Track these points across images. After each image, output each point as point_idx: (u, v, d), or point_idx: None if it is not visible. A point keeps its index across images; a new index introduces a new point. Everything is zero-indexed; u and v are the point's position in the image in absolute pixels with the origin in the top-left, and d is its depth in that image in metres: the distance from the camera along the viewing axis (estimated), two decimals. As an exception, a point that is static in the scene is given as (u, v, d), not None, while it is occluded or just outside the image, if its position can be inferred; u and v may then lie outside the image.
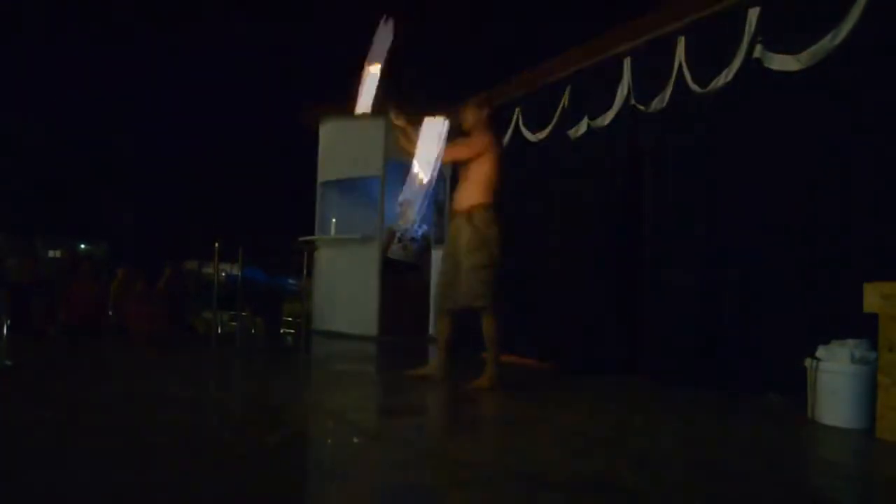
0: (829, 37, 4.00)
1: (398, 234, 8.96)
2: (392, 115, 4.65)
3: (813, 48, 4.08)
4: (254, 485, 2.35)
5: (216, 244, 7.05)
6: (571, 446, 3.09)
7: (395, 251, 8.92)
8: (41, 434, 2.99)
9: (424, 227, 8.93)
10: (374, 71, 4.44)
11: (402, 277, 8.83)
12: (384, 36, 4.43)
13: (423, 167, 4.29)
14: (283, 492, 2.27)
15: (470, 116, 4.63)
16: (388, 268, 8.84)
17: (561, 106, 6.26)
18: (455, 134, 4.52)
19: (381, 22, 4.43)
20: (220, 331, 7.49)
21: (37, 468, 2.42)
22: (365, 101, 4.46)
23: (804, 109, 4.23)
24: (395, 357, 7.12)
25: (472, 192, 4.44)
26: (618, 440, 3.29)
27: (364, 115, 4.60)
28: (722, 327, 4.57)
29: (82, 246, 13.23)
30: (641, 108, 5.35)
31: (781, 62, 4.29)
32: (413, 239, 8.94)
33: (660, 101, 5.19)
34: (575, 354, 5.77)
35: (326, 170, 8.93)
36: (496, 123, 4.75)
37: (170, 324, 8.21)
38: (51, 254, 11.93)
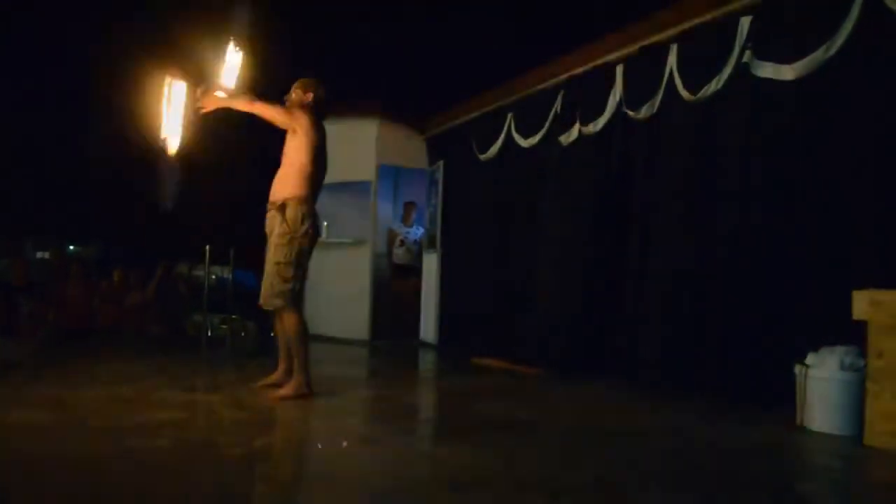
0: (823, 48, 4.03)
1: (400, 237, 8.95)
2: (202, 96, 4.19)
3: (808, 58, 4.11)
4: (244, 488, 2.34)
5: (207, 247, 7.02)
6: (561, 451, 3.10)
7: (401, 255, 8.92)
8: (30, 437, 2.97)
9: (421, 229, 8.93)
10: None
11: (406, 280, 8.83)
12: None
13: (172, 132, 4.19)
14: (273, 495, 2.26)
15: (293, 98, 4.31)
16: (395, 272, 8.85)
17: (553, 112, 6.28)
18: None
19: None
20: (210, 334, 7.45)
21: (26, 471, 2.41)
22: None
23: (794, 116, 4.26)
24: (386, 361, 7.11)
25: (287, 182, 4.13)
26: (607, 445, 3.30)
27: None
28: (711, 334, 4.58)
29: (71, 247, 13.15)
30: (632, 114, 5.38)
31: (775, 71, 4.32)
32: (415, 241, 8.94)
33: (650, 108, 5.21)
34: (565, 360, 5.78)
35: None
36: (322, 112, 4.36)
37: (160, 326, 8.18)
38: (39, 255, 11.85)
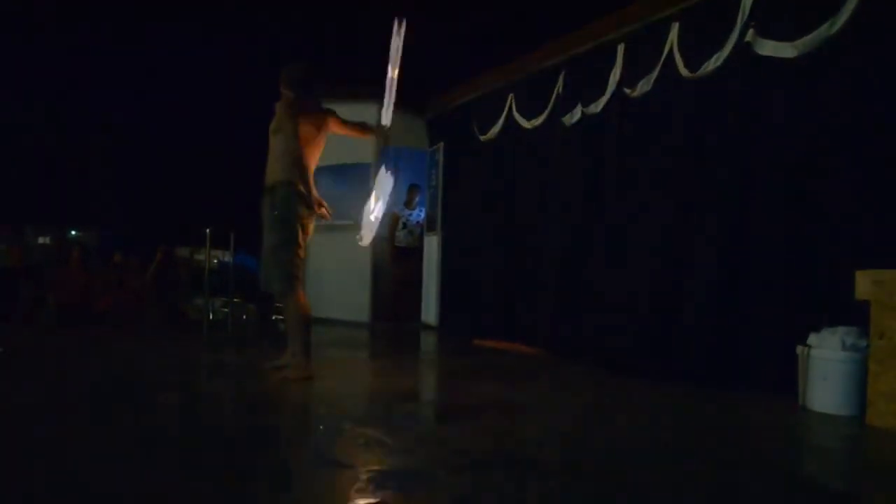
0: (826, 25, 3.97)
1: (402, 220, 8.93)
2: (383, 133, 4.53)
3: (810, 36, 4.06)
4: (246, 469, 2.34)
5: (208, 231, 7.02)
6: (564, 432, 3.10)
7: (402, 238, 8.91)
8: (34, 420, 2.97)
9: (423, 212, 8.91)
10: (393, 76, 4.38)
11: (407, 263, 8.82)
12: (396, 40, 4.31)
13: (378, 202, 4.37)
14: (275, 477, 2.26)
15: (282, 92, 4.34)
16: (396, 255, 8.83)
17: (556, 92, 6.23)
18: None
19: (395, 27, 4.27)
20: (211, 317, 7.46)
21: (30, 454, 2.41)
22: (388, 112, 4.42)
23: (795, 94, 4.21)
24: (387, 343, 7.12)
25: (276, 167, 4.17)
26: (607, 425, 3.30)
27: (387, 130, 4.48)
28: (712, 314, 4.56)
29: (72, 232, 13.14)
30: (628, 91, 5.33)
31: (776, 49, 4.27)
32: (417, 223, 8.92)
33: (646, 85, 5.17)
34: (565, 341, 5.78)
35: (318, 155, 8.87)
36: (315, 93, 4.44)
37: (159, 310, 8.19)
38: (41, 240, 11.85)
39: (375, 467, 2.41)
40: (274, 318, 8.39)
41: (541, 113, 6.40)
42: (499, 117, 7.02)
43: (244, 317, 8.15)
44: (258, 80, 4.35)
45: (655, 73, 5.08)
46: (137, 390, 3.76)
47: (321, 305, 8.63)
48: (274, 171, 4.18)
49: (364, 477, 2.28)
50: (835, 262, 3.87)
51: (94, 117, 12.73)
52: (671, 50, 4.98)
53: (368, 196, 4.50)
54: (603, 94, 5.62)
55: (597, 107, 5.69)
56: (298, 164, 4.15)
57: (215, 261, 7.90)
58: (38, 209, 12.00)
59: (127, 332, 7.02)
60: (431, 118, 8.70)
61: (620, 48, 5.51)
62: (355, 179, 8.64)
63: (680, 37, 4.94)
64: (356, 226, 8.31)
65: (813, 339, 3.68)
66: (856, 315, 3.49)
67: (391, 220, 8.99)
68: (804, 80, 4.17)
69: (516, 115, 6.77)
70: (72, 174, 12.81)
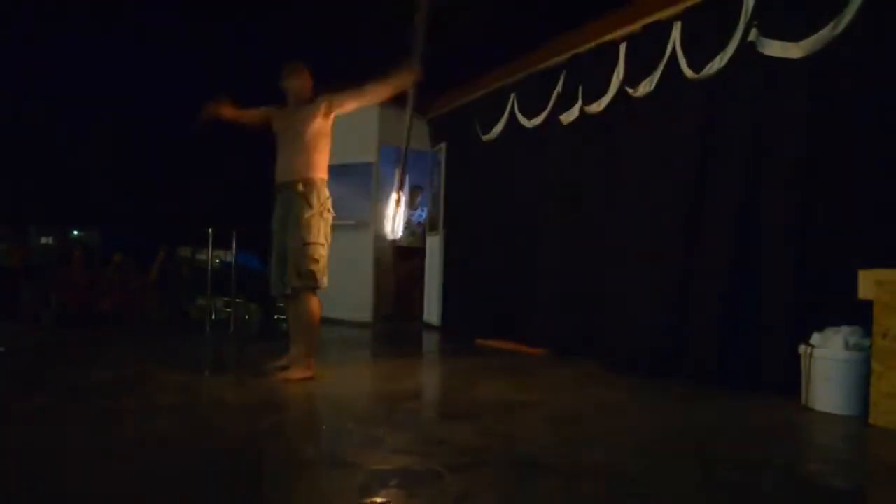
0: (830, 25, 3.96)
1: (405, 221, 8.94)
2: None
3: (815, 36, 4.04)
4: (248, 470, 2.34)
5: (210, 230, 7.03)
6: (567, 432, 3.10)
7: (404, 238, 8.92)
8: (37, 420, 2.98)
9: (424, 211, 8.92)
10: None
11: (409, 263, 8.82)
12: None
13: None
14: (278, 476, 2.27)
15: (297, 83, 4.28)
16: (398, 255, 8.84)
17: (556, 92, 6.22)
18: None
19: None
20: (214, 317, 7.47)
21: (33, 454, 2.41)
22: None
23: (798, 94, 4.20)
24: (390, 343, 7.12)
25: (306, 162, 4.12)
26: (609, 425, 3.29)
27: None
28: (715, 314, 4.55)
29: (75, 232, 13.16)
30: (631, 90, 5.33)
31: (781, 49, 4.25)
32: (418, 223, 8.93)
33: (648, 84, 5.17)
34: (568, 341, 5.78)
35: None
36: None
37: (162, 310, 8.20)
38: (43, 240, 11.86)
39: (378, 466, 2.41)
40: (276, 318, 8.40)
41: (542, 112, 6.40)
42: (501, 117, 7.01)
43: (246, 317, 8.15)
44: (259, 79, 4.31)
45: (658, 74, 5.08)
46: (139, 390, 3.76)
47: (325, 305, 8.64)
48: (305, 166, 4.14)
49: (366, 476, 2.28)
50: (838, 261, 3.86)
51: (96, 117, 12.73)
52: (674, 50, 4.98)
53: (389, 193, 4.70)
54: (605, 93, 5.62)
55: (599, 106, 5.68)
56: (326, 162, 4.20)
57: (217, 261, 7.91)
58: (41, 209, 12.00)
59: (129, 332, 7.03)
60: (433, 118, 8.70)
61: (622, 48, 5.51)
62: (357, 179, 8.66)
63: (682, 36, 4.94)
64: (358, 225, 8.36)
65: (816, 338, 3.68)
66: (858, 315, 3.49)
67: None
68: (807, 79, 4.16)
69: (518, 115, 6.77)
70: (74, 174, 12.80)
